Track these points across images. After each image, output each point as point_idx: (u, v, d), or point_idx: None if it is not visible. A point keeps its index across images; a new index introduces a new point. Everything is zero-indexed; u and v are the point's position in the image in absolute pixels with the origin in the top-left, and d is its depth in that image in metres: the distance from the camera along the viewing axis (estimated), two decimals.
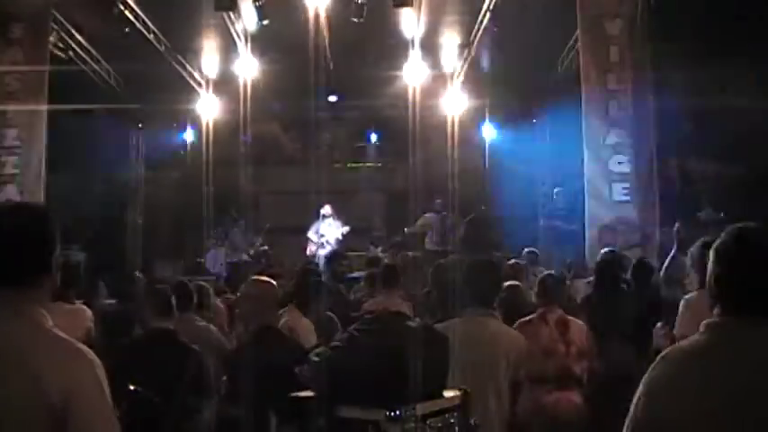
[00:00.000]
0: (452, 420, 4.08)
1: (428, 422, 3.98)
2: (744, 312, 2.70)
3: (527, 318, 6.56)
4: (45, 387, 2.63)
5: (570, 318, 6.64)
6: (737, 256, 2.77)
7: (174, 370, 5.40)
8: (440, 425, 4.06)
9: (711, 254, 2.83)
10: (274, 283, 5.91)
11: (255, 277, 6.07)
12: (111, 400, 2.80)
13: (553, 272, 7.91)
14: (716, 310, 2.76)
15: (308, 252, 16.46)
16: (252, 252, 16.65)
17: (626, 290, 8.05)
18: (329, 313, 6.97)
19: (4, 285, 2.78)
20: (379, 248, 16.48)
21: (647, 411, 2.71)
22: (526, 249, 11.99)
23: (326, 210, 16.79)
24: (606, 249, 8.88)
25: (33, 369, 2.65)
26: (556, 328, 6.48)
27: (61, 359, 2.71)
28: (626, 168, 12.61)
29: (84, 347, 2.81)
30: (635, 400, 2.76)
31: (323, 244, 16.43)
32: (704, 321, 2.77)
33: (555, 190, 16.21)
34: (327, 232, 16.67)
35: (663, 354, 2.80)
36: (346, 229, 16.64)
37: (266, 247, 17.11)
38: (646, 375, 2.76)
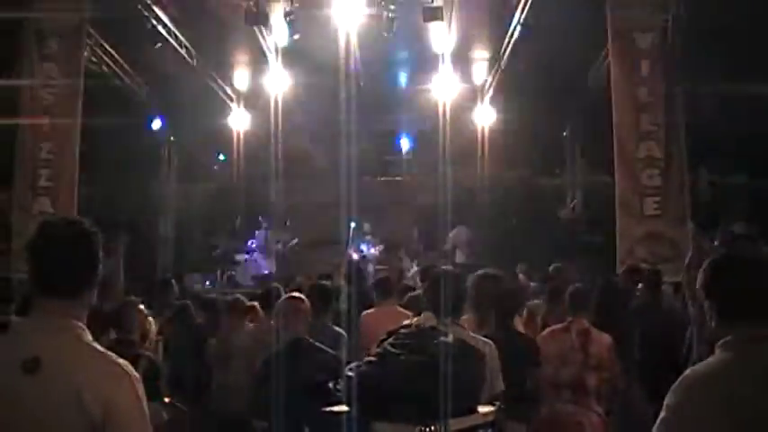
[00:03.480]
0: None
1: None
2: (760, 325, 2.70)
3: (555, 327, 6.72)
4: (86, 400, 2.68)
5: (595, 330, 6.68)
6: (749, 270, 2.81)
7: None
8: None
9: (719, 272, 2.85)
10: (305, 298, 5.98)
11: (288, 294, 6.17)
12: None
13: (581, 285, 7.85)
14: (732, 330, 2.76)
15: None
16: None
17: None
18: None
19: (52, 296, 2.83)
20: (415, 262, 16.59)
21: None
22: (553, 265, 11.87)
23: (367, 227, 17.81)
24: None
25: (75, 382, 2.70)
26: (577, 337, 6.56)
27: (102, 373, 2.77)
28: (657, 182, 12.54)
29: (124, 362, 2.86)
30: (657, 424, 2.75)
31: (363, 259, 16.97)
32: (720, 341, 2.77)
33: (572, 202, 16.12)
34: (366, 249, 17.52)
35: (682, 377, 2.79)
36: (380, 247, 17.17)
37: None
38: (667, 399, 2.76)
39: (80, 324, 2.86)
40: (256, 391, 5.51)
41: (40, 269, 2.86)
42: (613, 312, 7.34)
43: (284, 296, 6.11)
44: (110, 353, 2.88)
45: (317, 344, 5.63)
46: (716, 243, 7.44)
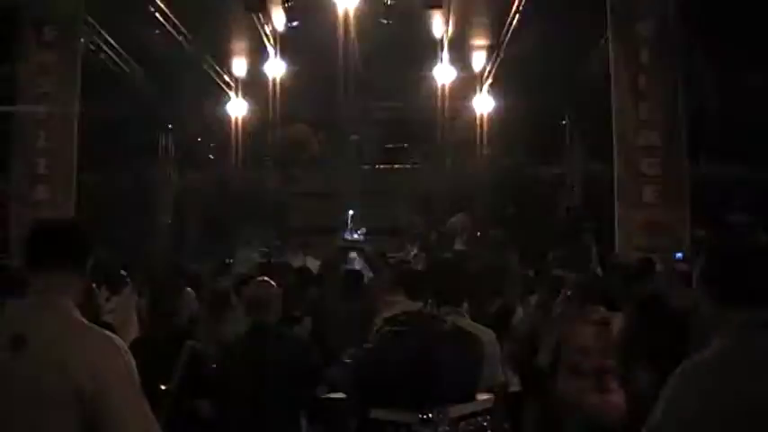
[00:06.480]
0: (485, 423, 4.06)
1: (460, 425, 3.96)
2: (758, 312, 2.69)
3: (578, 316, 6.69)
4: (71, 372, 2.76)
5: (610, 314, 6.70)
6: (747, 256, 2.81)
7: None
8: (471, 428, 4.04)
9: (717, 257, 2.84)
10: (273, 283, 5.84)
11: (258, 279, 6.02)
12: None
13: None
14: (730, 317, 2.74)
15: None
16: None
17: None
18: None
19: (40, 272, 2.98)
20: (415, 247, 16.52)
21: (666, 424, 2.69)
22: (551, 253, 11.84)
23: (354, 213, 17.36)
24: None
25: (60, 356, 2.79)
26: (607, 326, 6.57)
27: (90, 347, 2.86)
28: (657, 170, 12.51)
29: (113, 335, 2.98)
30: (653, 414, 2.73)
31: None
32: (718, 330, 2.75)
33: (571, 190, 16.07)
34: (350, 235, 17.16)
35: (680, 368, 2.77)
36: (363, 230, 17.07)
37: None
38: (664, 389, 2.74)
39: (70, 301, 2.97)
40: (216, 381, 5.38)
41: (31, 247, 3.04)
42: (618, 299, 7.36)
43: (253, 281, 5.97)
44: (98, 327, 3.00)
45: (282, 329, 5.53)
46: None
